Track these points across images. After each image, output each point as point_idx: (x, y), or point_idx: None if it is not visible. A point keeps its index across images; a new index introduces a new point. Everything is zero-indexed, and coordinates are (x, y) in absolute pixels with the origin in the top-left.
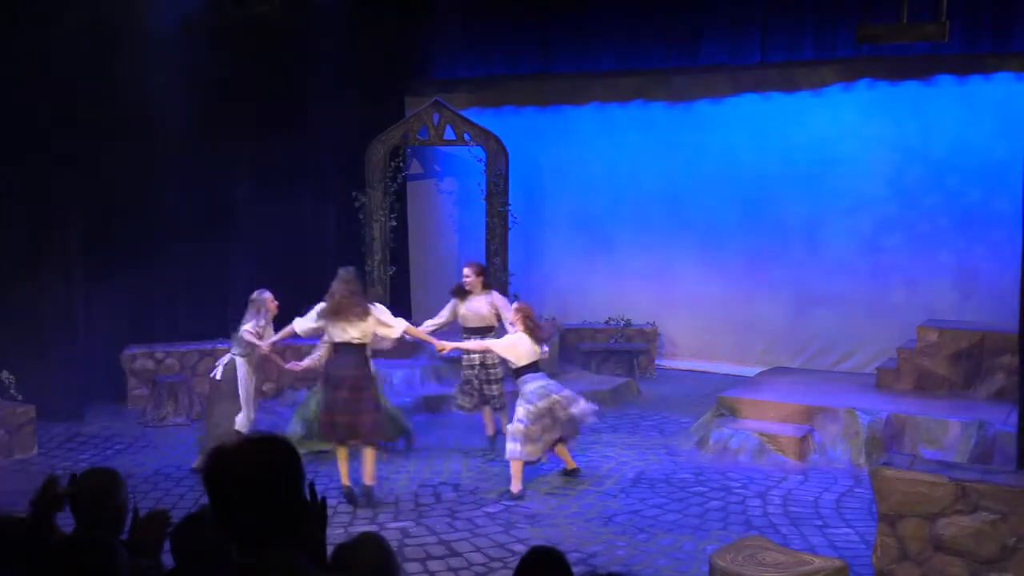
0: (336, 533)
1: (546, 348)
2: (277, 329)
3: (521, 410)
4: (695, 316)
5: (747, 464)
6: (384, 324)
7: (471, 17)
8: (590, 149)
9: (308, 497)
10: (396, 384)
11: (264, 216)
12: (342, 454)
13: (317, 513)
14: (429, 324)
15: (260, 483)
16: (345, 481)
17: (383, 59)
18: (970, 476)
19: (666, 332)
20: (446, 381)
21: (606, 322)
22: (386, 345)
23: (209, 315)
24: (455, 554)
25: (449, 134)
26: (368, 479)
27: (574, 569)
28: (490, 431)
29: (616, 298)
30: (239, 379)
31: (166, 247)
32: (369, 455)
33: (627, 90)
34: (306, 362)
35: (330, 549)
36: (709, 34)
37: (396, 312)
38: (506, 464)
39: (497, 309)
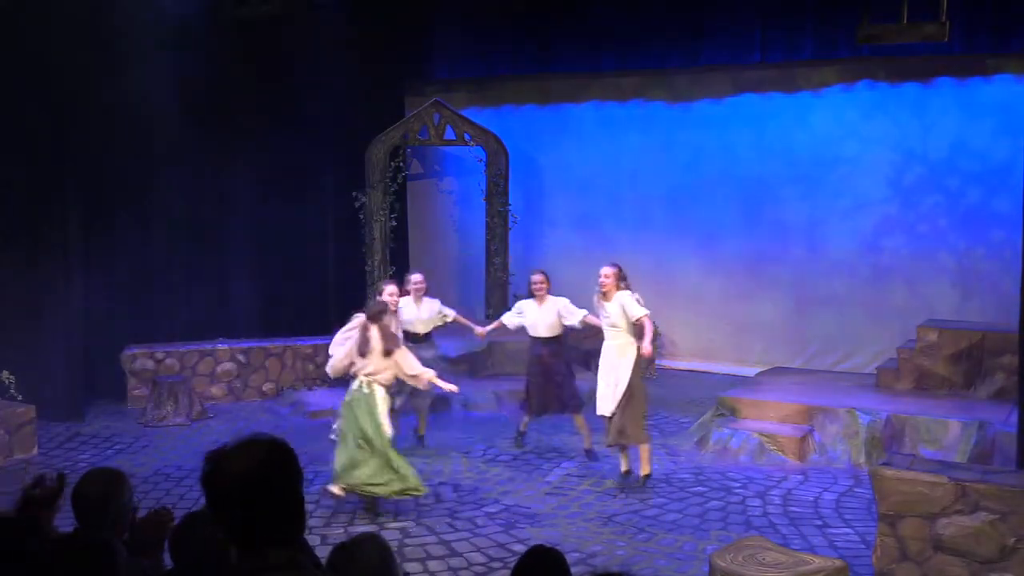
0: (336, 533)
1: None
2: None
3: None
4: (695, 316)
5: (747, 464)
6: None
7: (471, 17)
8: (590, 149)
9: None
10: None
11: (264, 216)
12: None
13: None
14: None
15: (258, 482)
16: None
17: (383, 59)
18: (970, 476)
19: (666, 332)
20: (446, 381)
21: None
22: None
23: (209, 315)
24: (455, 554)
25: (449, 134)
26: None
27: (574, 569)
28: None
29: None
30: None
31: (166, 247)
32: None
33: (627, 90)
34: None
35: (330, 549)
36: (709, 34)
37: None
38: (508, 464)
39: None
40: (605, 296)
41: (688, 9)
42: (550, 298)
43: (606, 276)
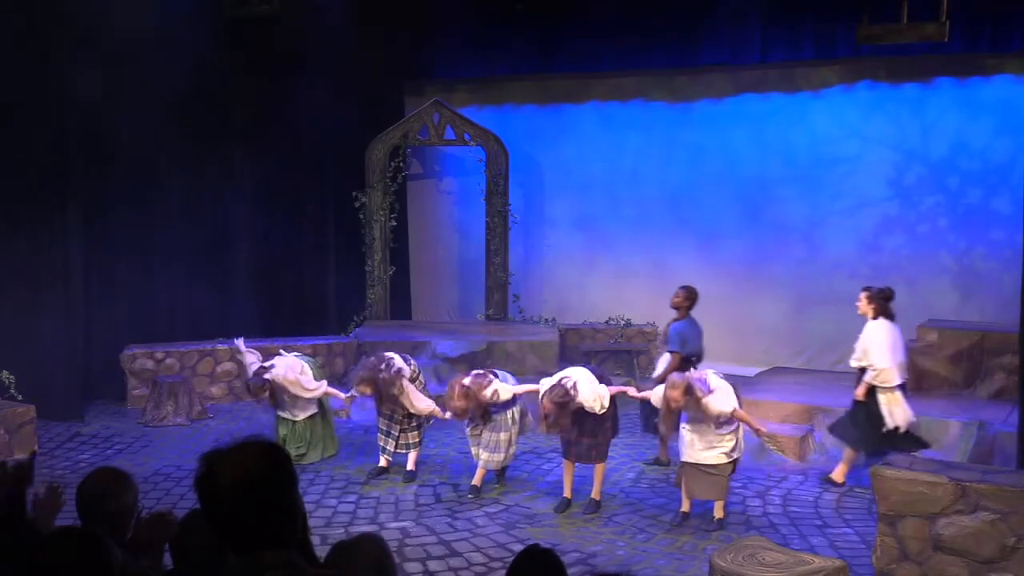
0: (336, 533)
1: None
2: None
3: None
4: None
5: (747, 464)
6: None
7: (471, 16)
8: (590, 149)
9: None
10: None
11: (264, 216)
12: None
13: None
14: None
15: (252, 487)
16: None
17: (383, 59)
18: (970, 476)
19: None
20: (447, 381)
21: (606, 322)
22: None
23: (209, 315)
24: (455, 554)
25: (449, 134)
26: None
27: (574, 569)
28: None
29: (616, 298)
30: None
31: (166, 247)
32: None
33: (627, 90)
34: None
35: (330, 549)
36: (709, 34)
37: (396, 310)
38: (512, 464)
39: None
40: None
41: (688, 9)
42: None
43: (675, 401)
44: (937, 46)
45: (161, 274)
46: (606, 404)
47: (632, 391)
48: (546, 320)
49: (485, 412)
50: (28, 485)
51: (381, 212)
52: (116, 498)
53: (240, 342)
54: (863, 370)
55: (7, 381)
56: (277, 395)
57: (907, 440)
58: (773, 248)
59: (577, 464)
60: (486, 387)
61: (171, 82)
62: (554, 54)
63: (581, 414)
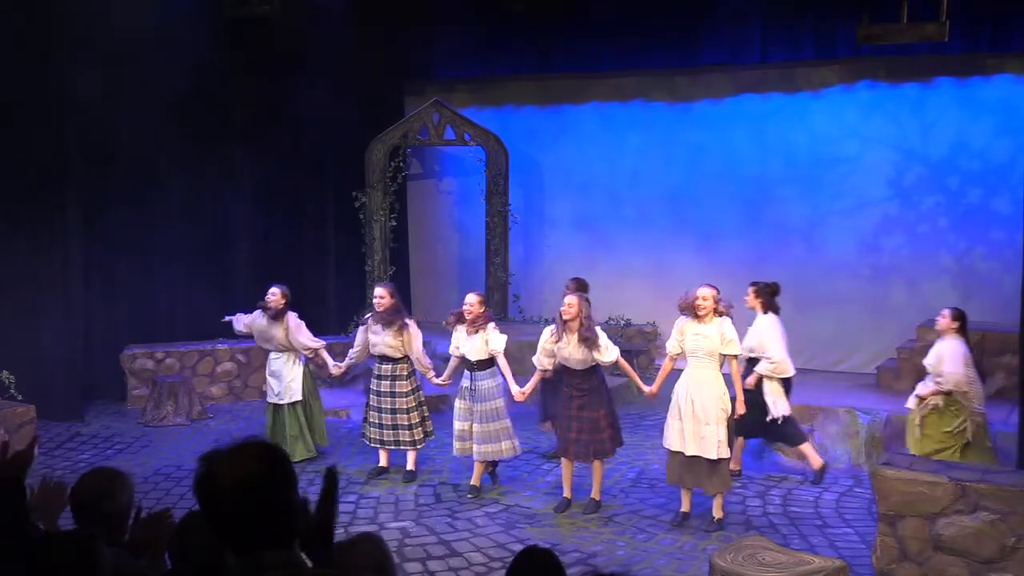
0: (336, 533)
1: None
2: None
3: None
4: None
5: (747, 464)
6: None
7: (471, 16)
8: (590, 149)
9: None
10: None
11: (264, 216)
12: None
13: (328, 490)
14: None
15: (251, 488)
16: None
17: (383, 59)
18: (970, 476)
19: (666, 332)
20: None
21: (606, 322)
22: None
23: (209, 315)
24: (455, 554)
25: (449, 134)
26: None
27: (574, 569)
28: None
29: (616, 298)
30: None
31: (166, 247)
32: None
33: (627, 90)
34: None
35: None
36: (709, 34)
37: None
38: (508, 464)
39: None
40: (700, 319)
41: (688, 9)
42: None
43: (704, 299)
44: (937, 46)
45: (161, 274)
46: (614, 356)
47: (648, 389)
48: (546, 320)
49: (472, 322)
50: (24, 474)
51: (381, 212)
52: (112, 498)
53: (234, 318)
54: (751, 361)
55: (7, 381)
56: (273, 328)
57: (778, 431)
58: (773, 248)
59: (576, 463)
60: (489, 325)
61: (171, 82)
62: (554, 54)
63: (582, 387)
